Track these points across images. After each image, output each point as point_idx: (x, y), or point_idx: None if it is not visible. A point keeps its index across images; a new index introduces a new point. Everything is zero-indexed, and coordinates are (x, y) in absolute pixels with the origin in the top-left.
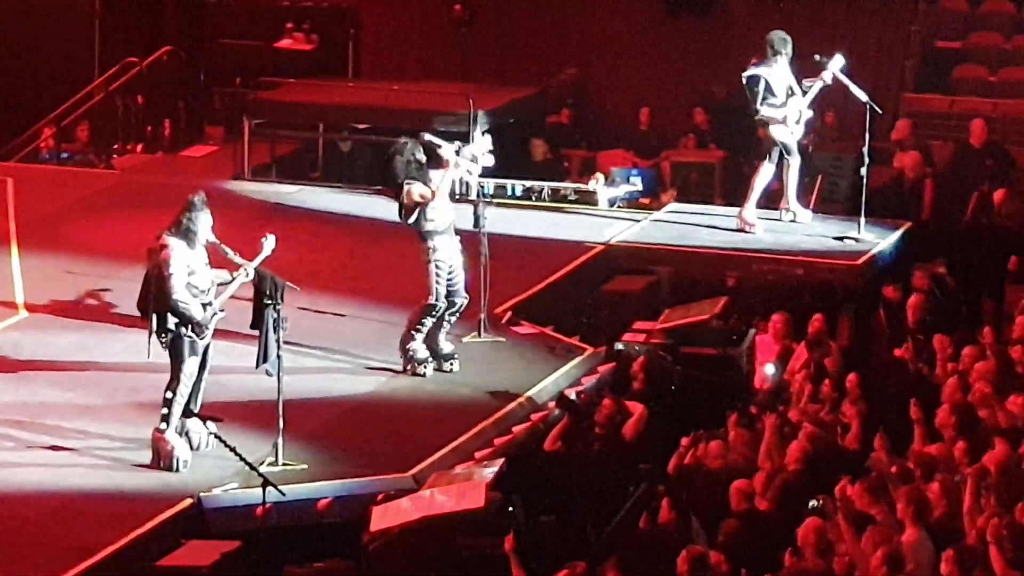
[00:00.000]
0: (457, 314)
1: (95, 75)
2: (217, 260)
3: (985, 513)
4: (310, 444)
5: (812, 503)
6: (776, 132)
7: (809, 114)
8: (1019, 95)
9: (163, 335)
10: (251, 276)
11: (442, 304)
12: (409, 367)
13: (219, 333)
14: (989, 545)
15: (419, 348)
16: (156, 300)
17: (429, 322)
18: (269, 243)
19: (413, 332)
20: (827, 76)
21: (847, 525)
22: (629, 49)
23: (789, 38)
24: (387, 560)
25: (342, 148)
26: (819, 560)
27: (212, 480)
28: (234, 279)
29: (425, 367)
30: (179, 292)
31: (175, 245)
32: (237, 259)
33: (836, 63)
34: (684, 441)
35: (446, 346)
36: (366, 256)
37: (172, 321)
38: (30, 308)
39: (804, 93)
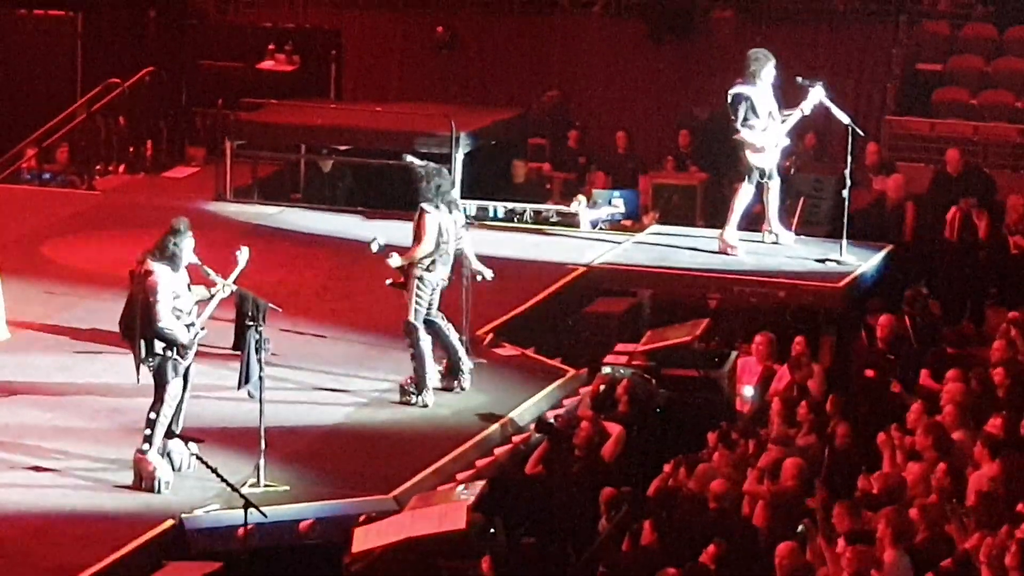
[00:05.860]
0: (449, 330)
1: (77, 96)
2: (197, 278)
3: (971, 535)
4: (292, 465)
5: (800, 528)
6: (752, 157)
7: (786, 142)
8: (1000, 118)
9: (151, 359)
10: (227, 292)
11: (420, 323)
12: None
13: (201, 355)
14: (981, 566)
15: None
16: (143, 326)
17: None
18: (243, 255)
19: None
20: (806, 107)
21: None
22: (611, 72)
23: (769, 54)
24: None
25: (323, 169)
26: None
27: (194, 501)
28: (212, 296)
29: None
30: (165, 319)
31: (160, 271)
32: (218, 279)
33: (817, 93)
34: (667, 467)
35: (467, 362)
36: (347, 277)
37: (160, 346)
38: (11, 329)
39: (783, 121)
